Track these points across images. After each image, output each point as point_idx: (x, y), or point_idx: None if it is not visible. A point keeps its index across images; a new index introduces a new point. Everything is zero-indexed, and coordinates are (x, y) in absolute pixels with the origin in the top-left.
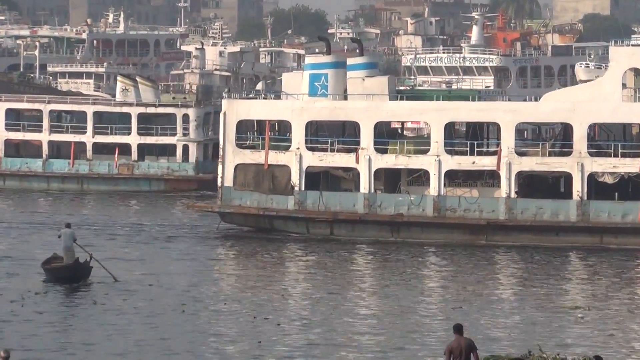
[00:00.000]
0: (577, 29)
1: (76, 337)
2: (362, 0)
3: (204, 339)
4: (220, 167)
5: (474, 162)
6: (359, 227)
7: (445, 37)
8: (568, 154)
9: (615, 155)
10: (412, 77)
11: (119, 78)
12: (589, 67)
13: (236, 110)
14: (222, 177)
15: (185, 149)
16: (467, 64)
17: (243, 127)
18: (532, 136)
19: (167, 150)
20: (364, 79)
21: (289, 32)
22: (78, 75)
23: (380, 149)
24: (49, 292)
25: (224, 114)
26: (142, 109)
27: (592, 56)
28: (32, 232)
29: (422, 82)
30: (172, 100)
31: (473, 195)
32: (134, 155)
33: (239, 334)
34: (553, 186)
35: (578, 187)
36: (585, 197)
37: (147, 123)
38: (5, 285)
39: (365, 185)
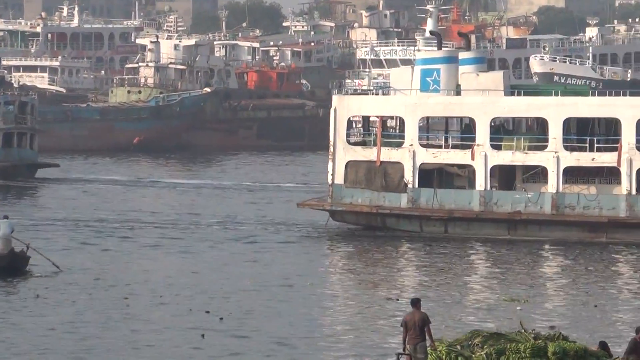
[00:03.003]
0: (531, 21)
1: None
2: None
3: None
4: (330, 164)
5: (593, 159)
6: (475, 225)
7: (400, 29)
8: None
9: None
10: (367, 70)
11: None
12: (543, 59)
13: (347, 106)
14: (333, 175)
15: None
16: None
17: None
18: None
19: None
20: (478, 74)
21: (244, 25)
22: (32, 68)
23: (496, 145)
24: None
25: (335, 109)
26: None
27: (547, 49)
28: None
29: (377, 74)
30: (127, 94)
31: (592, 192)
32: None
33: None
34: None
35: None
36: None
37: None
38: None
39: (481, 182)
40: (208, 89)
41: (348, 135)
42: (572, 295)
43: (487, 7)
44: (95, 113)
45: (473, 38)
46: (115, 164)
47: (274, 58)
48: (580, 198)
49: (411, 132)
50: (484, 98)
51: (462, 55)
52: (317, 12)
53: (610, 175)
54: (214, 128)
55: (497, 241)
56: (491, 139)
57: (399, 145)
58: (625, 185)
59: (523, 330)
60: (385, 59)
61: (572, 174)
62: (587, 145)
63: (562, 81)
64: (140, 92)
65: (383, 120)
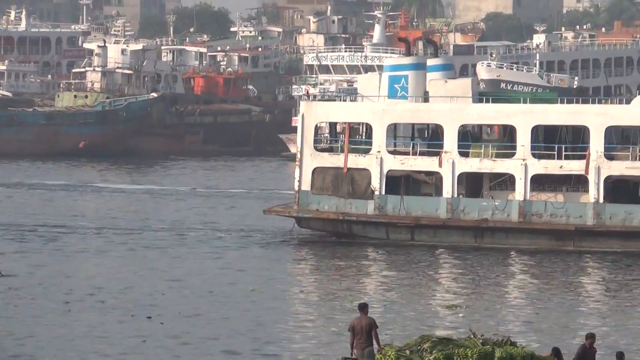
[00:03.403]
0: (479, 28)
1: None
2: None
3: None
4: (297, 170)
5: (561, 167)
6: (442, 233)
7: (347, 35)
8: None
9: None
10: (314, 75)
11: None
12: (490, 66)
13: (315, 112)
14: (300, 181)
15: None
16: (368, 62)
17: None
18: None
19: None
20: (446, 81)
21: (192, 30)
22: None
23: (464, 153)
24: None
25: (302, 116)
26: None
27: (494, 55)
28: None
29: (324, 80)
30: (74, 98)
31: (559, 200)
32: None
33: None
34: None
35: None
36: None
37: None
38: None
39: (448, 189)
40: (155, 94)
41: (315, 141)
42: (529, 303)
43: (435, 14)
44: (41, 117)
45: (420, 44)
46: (60, 169)
47: (221, 63)
48: (547, 206)
49: (379, 139)
50: (452, 105)
51: (430, 62)
52: (265, 18)
53: (578, 183)
54: (160, 133)
55: (464, 249)
56: (459, 146)
57: (366, 151)
58: (593, 194)
59: (472, 336)
60: (332, 65)
61: (540, 182)
62: (555, 153)
63: (509, 88)
64: (87, 96)
65: (351, 126)
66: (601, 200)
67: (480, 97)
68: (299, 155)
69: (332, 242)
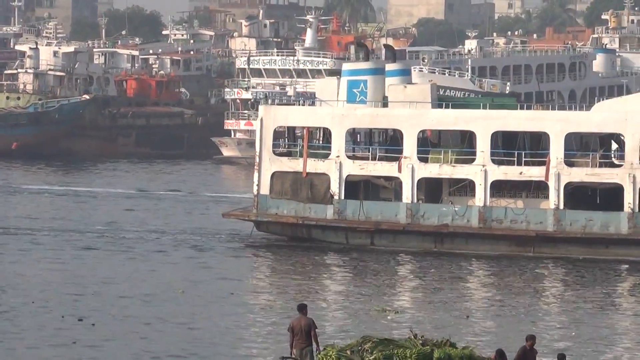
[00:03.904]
0: (411, 33)
1: None
2: (197, 2)
3: None
4: (256, 174)
5: (521, 173)
6: (401, 238)
7: (279, 39)
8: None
9: None
10: (246, 79)
11: None
12: (422, 71)
13: (274, 116)
14: (258, 185)
15: None
16: (300, 66)
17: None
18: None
19: None
20: (405, 86)
21: (123, 32)
22: None
23: (423, 158)
24: None
25: (261, 120)
26: None
27: (426, 60)
28: None
29: (256, 84)
30: (6, 100)
31: (519, 207)
32: None
33: None
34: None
35: (630, 199)
36: (637, 210)
37: None
38: None
39: (408, 194)
40: (87, 96)
41: (274, 146)
42: (481, 307)
43: (367, 18)
44: None
45: (352, 49)
46: None
47: (153, 66)
48: (507, 212)
49: (338, 144)
50: (411, 110)
51: (389, 67)
52: (197, 21)
53: (538, 189)
54: (93, 135)
55: (423, 254)
56: (418, 152)
57: (326, 156)
58: (553, 200)
59: (413, 337)
60: (264, 69)
61: (499, 188)
62: (515, 159)
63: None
64: (19, 98)
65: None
66: (561, 206)
67: (439, 102)
68: (257, 160)
69: (290, 246)
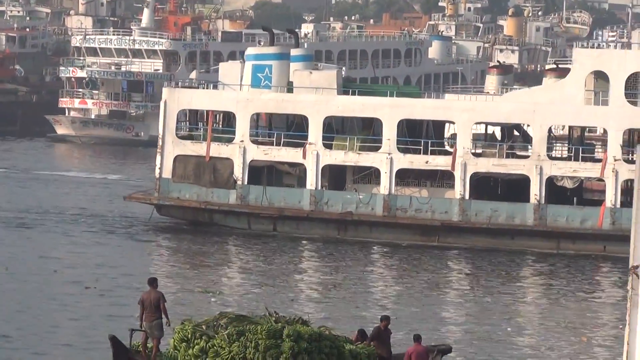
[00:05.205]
0: (247, 15)
1: None
2: None
3: None
4: (158, 157)
5: (427, 162)
6: (304, 225)
7: (116, 19)
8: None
9: (576, 160)
10: (82, 57)
11: None
12: None
13: (178, 99)
14: (161, 168)
15: None
16: (136, 46)
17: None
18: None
19: None
20: (311, 72)
21: None
22: None
23: (329, 145)
24: None
25: (165, 102)
26: None
27: (262, 43)
28: None
29: (91, 63)
30: None
31: (424, 196)
32: None
33: None
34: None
35: (536, 191)
36: (543, 201)
37: None
38: None
39: (312, 181)
40: None
41: (177, 129)
42: (363, 292)
43: (204, 0)
44: None
45: (189, 30)
46: None
47: None
48: (412, 201)
49: (242, 128)
50: (317, 96)
51: (293, 52)
52: None
53: (442, 178)
54: None
55: (326, 241)
56: (323, 138)
57: (230, 140)
58: (459, 190)
59: (267, 314)
60: (99, 48)
61: (405, 177)
62: (422, 147)
63: None
64: None
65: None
66: (467, 196)
67: (344, 89)
68: (160, 142)
69: (190, 230)
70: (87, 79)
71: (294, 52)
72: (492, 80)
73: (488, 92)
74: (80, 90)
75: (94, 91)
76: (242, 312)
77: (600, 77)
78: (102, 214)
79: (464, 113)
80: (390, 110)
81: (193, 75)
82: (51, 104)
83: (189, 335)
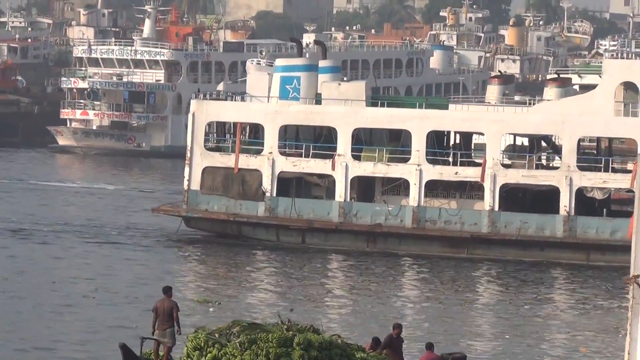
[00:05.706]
0: (249, 25)
1: None
2: None
3: None
4: (187, 169)
5: (457, 173)
6: (333, 237)
7: (117, 29)
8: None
9: (605, 170)
10: (84, 68)
11: None
12: (260, 64)
13: (206, 111)
14: (189, 180)
15: None
16: (138, 57)
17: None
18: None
19: None
20: (339, 83)
21: None
22: None
23: (357, 156)
24: None
25: (193, 114)
26: None
27: (264, 53)
28: None
29: (93, 73)
30: None
31: (453, 207)
32: None
33: None
34: (538, 200)
35: (566, 202)
36: (572, 213)
37: None
38: None
39: (341, 193)
40: None
41: (206, 140)
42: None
43: (205, 10)
44: None
45: (190, 40)
46: None
47: None
48: (442, 212)
49: (270, 140)
50: (346, 108)
51: (321, 63)
52: (35, 9)
53: (472, 190)
54: None
55: (355, 253)
56: (352, 150)
57: (258, 152)
58: (488, 201)
59: (280, 322)
60: (101, 58)
61: (433, 188)
62: (451, 159)
63: None
64: None
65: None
66: (496, 208)
67: (373, 100)
68: (188, 154)
69: (218, 242)
70: (88, 90)
71: (322, 63)
72: (493, 90)
73: (489, 102)
74: (81, 101)
75: (95, 102)
76: (257, 320)
77: (630, 88)
78: (128, 226)
79: (493, 124)
80: (419, 122)
81: (221, 87)
82: (53, 115)
83: (202, 344)
